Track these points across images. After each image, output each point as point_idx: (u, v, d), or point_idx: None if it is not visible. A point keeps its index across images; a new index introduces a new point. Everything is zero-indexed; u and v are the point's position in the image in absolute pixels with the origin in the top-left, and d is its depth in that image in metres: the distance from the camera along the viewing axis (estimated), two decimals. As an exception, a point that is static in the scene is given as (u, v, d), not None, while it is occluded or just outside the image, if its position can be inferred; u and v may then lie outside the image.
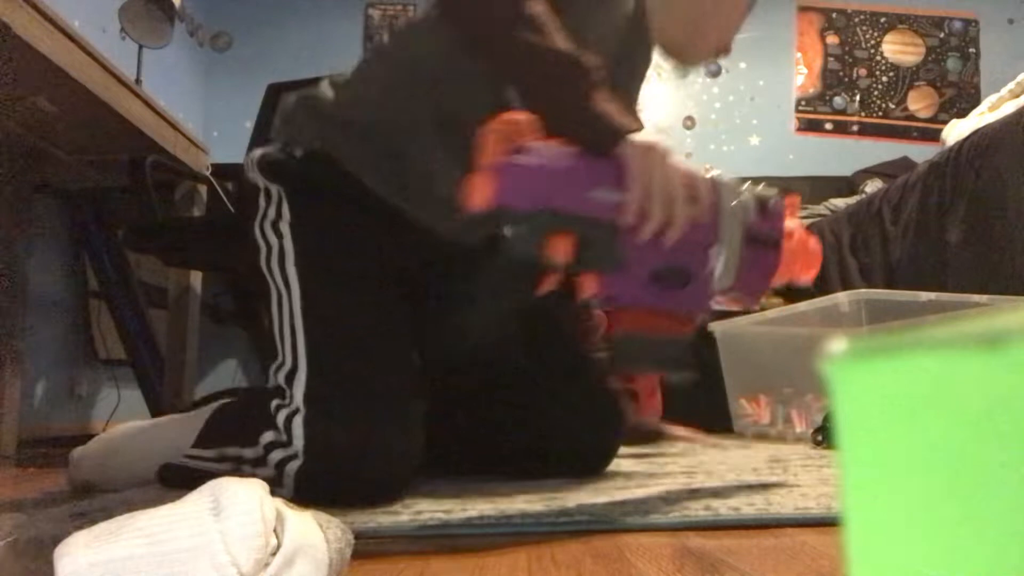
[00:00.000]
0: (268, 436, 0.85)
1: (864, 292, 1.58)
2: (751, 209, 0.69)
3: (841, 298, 1.59)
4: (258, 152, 0.98)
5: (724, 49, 0.96)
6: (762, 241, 0.69)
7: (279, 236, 0.92)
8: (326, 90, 0.98)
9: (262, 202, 0.95)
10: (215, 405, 1.00)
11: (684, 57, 0.97)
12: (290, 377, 0.87)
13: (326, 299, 0.90)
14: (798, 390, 1.81)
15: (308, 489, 0.82)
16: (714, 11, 0.92)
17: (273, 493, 0.44)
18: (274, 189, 0.94)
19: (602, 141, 0.69)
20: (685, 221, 0.66)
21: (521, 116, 0.66)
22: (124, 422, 1.11)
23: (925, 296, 1.57)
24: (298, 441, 0.83)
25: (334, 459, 0.83)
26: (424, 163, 0.92)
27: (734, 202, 0.68)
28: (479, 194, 0.63)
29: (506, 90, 0.78)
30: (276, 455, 0.84)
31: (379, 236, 0.94)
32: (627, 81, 0.98)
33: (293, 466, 0.83)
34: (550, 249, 0.64)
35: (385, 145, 0.93)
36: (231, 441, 0.90)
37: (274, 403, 0.87)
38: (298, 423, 0.84)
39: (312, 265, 0.91)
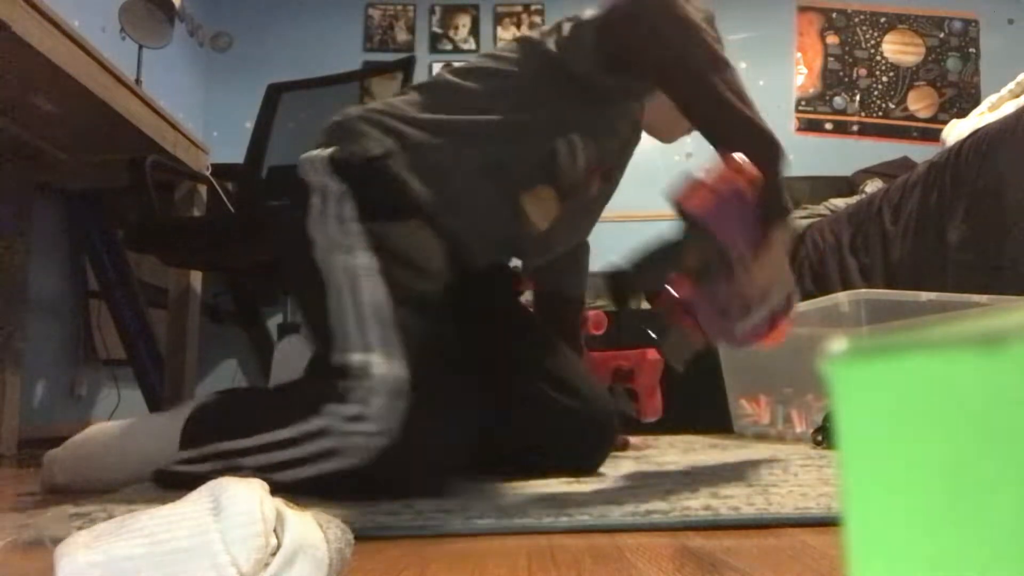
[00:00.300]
0: (333, 408, 0.85)
1: (864, 292, 1.58)
2: (784, 301, 0.96)
3: (841, 298, 1.59)
4: (326, 151, 1.02)
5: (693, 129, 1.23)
6: (771, 320, 0.95)
7: (345, 232, 0.96)
8: (389, 107, 1.07)
9: (315, 200, 0.99)
10: (186, 408, 1.00)
11: (664, 139, 1.35)
12: (364, 359, 0.87)
13: (399, 288, 0.93)
14: (798, 390, 1.81)
15: (377, 464, 0.83)
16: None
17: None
18: (335, 186, 0.99)
19: (779, 215, 0.89)
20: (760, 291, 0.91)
21: (755, 171, 0.84)
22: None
23: (925, 296, 1.57)
24: (377, 416, 0.83)
25: (413, 438, 0.83)
26: (471, 199, 1.05)
27: (781, 293, 0.94)
28: (696, 202, 0.83)
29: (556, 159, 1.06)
30: (348, 426, 0.84)
31: (435, 239, 1.02)
32: (626, 158, 1.29)
33: (367, 441, 0.83)
34: (691, 255, 0.89)
35: (440, 172, 1.03)
36: (249, 432, 0.89)
37: (342, 383, 0.87)
38: (378, 400, 0.84)
39: (383, 256, 0.94)
